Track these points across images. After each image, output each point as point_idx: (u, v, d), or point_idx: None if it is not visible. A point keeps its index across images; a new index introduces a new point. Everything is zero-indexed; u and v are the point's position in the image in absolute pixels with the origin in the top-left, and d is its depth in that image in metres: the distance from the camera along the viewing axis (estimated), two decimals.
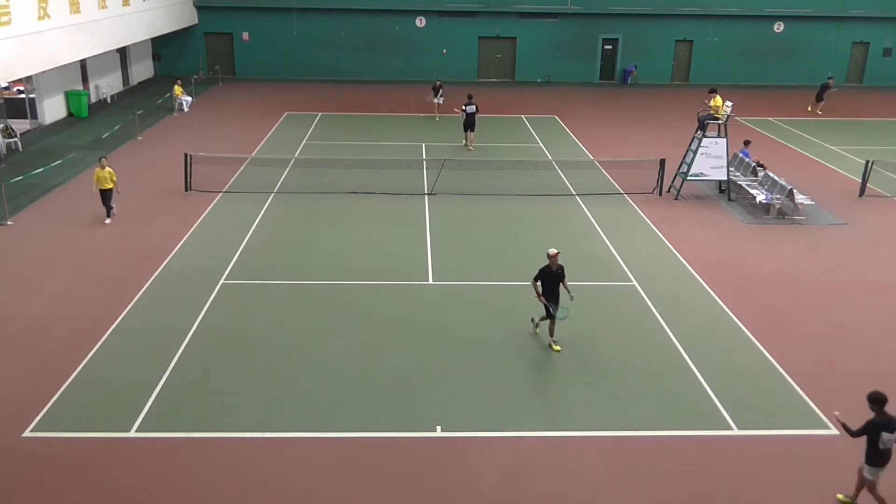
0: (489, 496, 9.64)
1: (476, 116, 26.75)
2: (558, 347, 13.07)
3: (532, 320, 13.70)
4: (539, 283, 13.00)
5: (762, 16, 41.28)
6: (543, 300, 13.00)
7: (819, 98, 34.64)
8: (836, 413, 9.48)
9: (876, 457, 9.00)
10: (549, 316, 13.07)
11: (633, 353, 13.06)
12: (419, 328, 13.82)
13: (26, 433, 10.60)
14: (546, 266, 12.94)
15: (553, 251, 12.92)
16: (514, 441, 10.67)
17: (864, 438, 9.09)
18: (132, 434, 10.64)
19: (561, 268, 12.99)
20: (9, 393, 11.52)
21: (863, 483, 9.23)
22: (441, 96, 31.23)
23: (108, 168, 18.44)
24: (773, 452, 10.53)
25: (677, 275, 16.44)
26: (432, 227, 18.92)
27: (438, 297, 15.13)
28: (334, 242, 17.79)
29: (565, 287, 13.05)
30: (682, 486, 9.88)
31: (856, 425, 8.97)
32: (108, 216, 18.69)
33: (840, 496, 9.61)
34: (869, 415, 9.11)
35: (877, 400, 8.97)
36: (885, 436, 8.84)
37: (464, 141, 27.10)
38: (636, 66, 41.71)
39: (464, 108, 26.62)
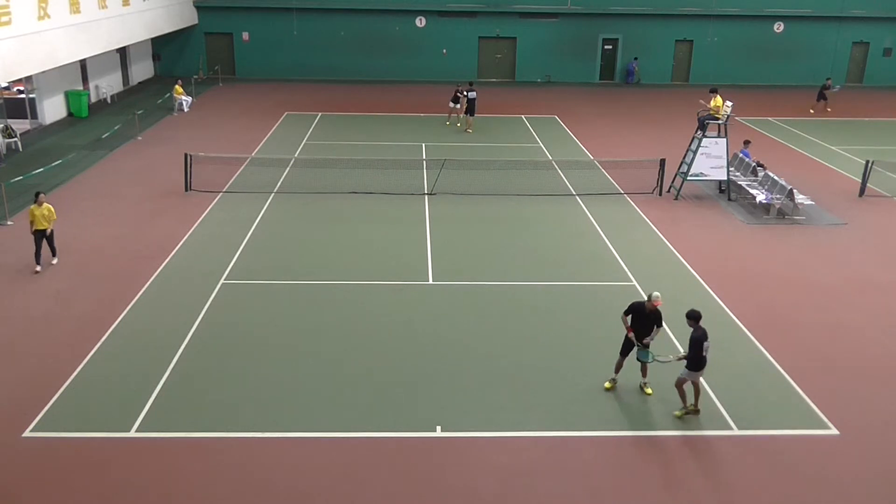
0: (489, 496, 9.64)
1: (476, 102, 29.22)
2: (650, 390, 11.83)
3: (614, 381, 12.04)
4: (629, 317, 11.64)
5: (762, 16, 41.29)
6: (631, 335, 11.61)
7: (819, 98, 34.82)
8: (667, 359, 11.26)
9: (698, 364, 10.86)
10: (624, 356, 11.83)
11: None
12: (419, 328, 13.82)
13: (26, 433, 10.60)
14: (639, 303, 11.60)
15: (655, 296, 11.33)
16: (514, 441, 10.67)
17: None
18: (132, 434, 10.64)
19: (657, 313, 11.47)
20: (9, 393, 11.52)
21: (697, 391, 11.19)
22: (459, 102, 30.38)
23: (45, 204, 15.82)
24: (773, 452, 10.53)
25: (677, 275, 16.43)
26: (432, 227, 18.92)
27: (438, 297, 15.13)
28: (334, 242, 17.79)
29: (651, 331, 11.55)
30: (682, 485, 9.88)
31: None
32: (39, 261, 15.78)
33: (676, 413, 11.26)
34: None
35: (694, 316, 10.87)
36: (705, 344, 10.78)
37: (466, 126, 29.41)
38: (636, 59, 41.63)
39: (465, 93, 29.23)
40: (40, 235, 15.74)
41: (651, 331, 11.52)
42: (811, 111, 34.94)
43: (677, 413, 11.24)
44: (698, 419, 11.20)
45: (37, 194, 15.93)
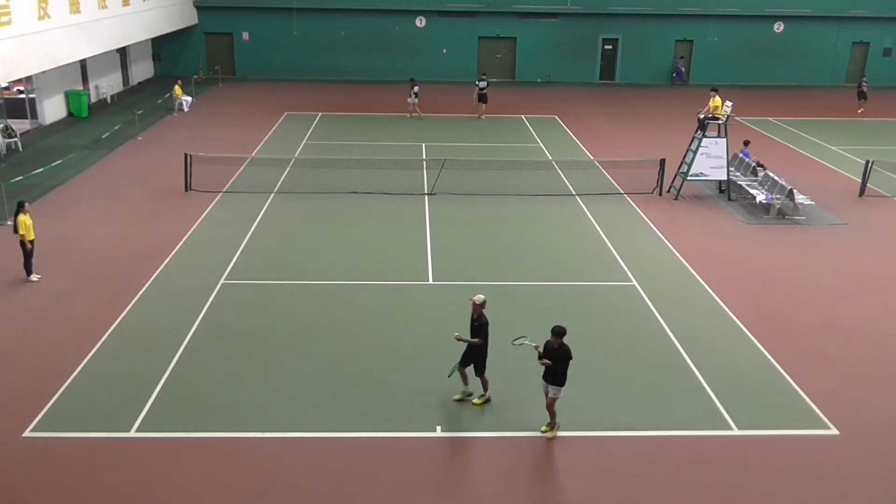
0: (489, 496, 9.64)
1: (487, 92, 31.72)
2: (458, 396, 11.53)
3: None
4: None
5: (762, 16, 41.29)
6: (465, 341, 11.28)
7: (862, 96, 35.28)
8: (535, 346, 10.69)
9: (563, 378, 10.51)
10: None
11: (633, 353, 13.06)
12: (419, 328, 13.81)
13: (26, 433, 10.60)
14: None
15: (473, 298, 11.19)
16: (516, 441, 10.66)
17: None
18: (132, 434, 10.64)
19: (479, 321, 11.13)
20: (9, 393, 11.52)
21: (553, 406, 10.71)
22: (415, 95, 31.65)
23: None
24: (773, 452, 10.53)
25: (677, 275, 16.44)
26: (432, 227, 18.91)
27: (438, 297, 15.13)
28: (334, 242, 17.79)
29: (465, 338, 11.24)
30: (681, 486, 9.88)
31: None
32: (31, 270, 15.40)
33: (543, 428, 10.79)
34: None
35: (560, 332, 10.36)
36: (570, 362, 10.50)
37: (480, 113, 31.98)
38: (682, 58, 41.65)
39: (476, 83, 32.01)
40: (31, 245, 15.22)
41: (474, 334, 11.17)
42: (859, 112, 34.99)
43: (548, 433, 10.73)
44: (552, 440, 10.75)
45: (22, 203, 15.27)
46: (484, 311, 11.19)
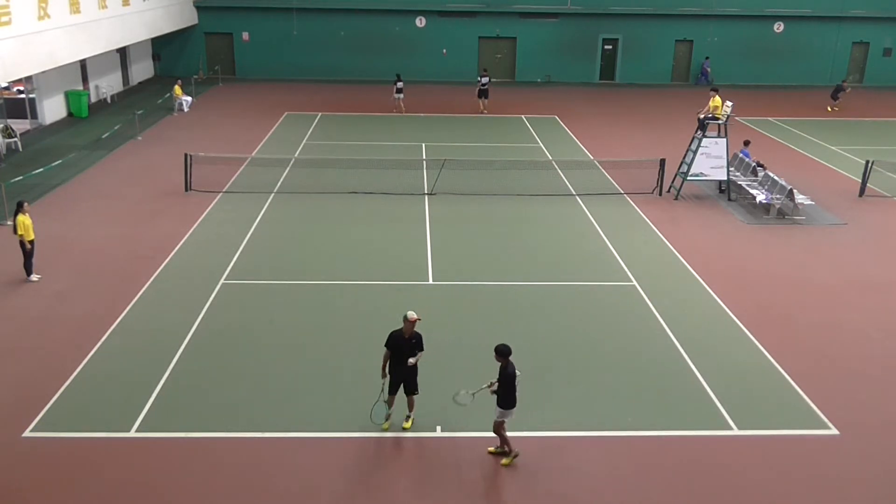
0: (489, 496, 9.64)
1: (488, 87, 33.02)
2: (408, 424, 10.89)
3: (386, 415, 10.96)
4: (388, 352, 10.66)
5: (762, 16, 41.30)
6: (385, 375, 10.75)
7: (834, 97, 35.66)
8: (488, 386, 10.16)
9: (511, 400, 9.96)
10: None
11: (633, 353, 13.06)
12: (419, 328, 13.76)
13: (26, 433, 10.60)
14: (398, 331, 10.64)
15: (412, 315, 10.58)
16: (515, 441, 10.65)
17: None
18: (132, 434, 10.64)
19: (416, 337, 10.64)
20: (9, 393, 11.52)
21: (501, 430, 10.12)
22: (400, 92, 32.62)
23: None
24: (773, 452, 10.53)
25: (677, 275, 16.44)
26: (432, 227, 18.92)
27: (438, 297, 15.13)
28: (334, 242, 17.79)
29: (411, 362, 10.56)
30: (682, 486, 9.88)
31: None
32: (31, 271, 15.39)
33: (491, 448, 10.33)
34: None
35: (504, 352, 9.90)
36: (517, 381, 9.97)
37: (481, 108, 33.03)
38: (708, 59, 41.69)
39: (479, 79, 33.31)
40: (31, 245, 15.22)
41: (412, 353, 10.62)
42: (829, 109, 35.41)
43: (505, 461, 10.17)
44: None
45: (21, 204, 15.25)
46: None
